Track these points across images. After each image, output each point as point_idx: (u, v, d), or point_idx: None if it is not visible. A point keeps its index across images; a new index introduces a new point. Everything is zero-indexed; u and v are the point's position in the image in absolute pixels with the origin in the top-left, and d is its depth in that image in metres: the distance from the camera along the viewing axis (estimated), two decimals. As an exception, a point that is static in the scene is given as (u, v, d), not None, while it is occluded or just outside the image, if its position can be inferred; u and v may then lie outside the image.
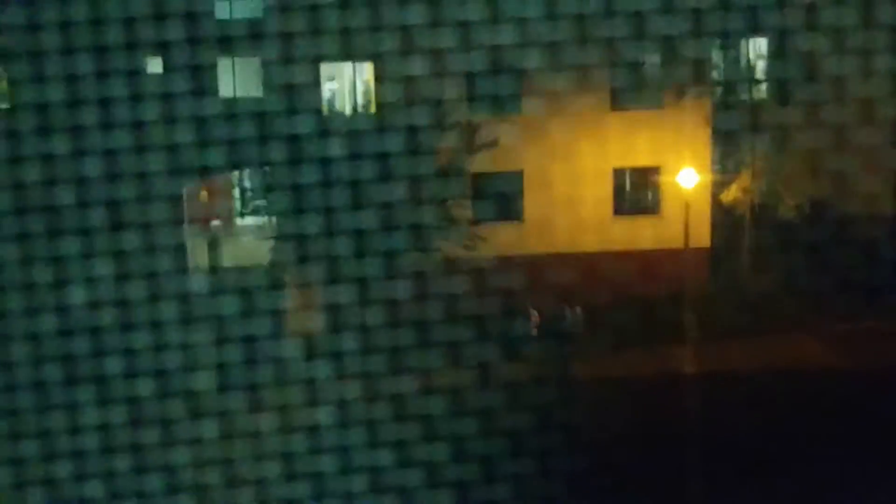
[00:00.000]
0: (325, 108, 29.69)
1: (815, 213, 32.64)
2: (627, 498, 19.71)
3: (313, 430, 17.65)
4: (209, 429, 18.18)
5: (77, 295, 20.07)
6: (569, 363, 26.58)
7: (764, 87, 33.70)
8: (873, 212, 32.98)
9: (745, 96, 32.91)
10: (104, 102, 22.71)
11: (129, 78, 24.08)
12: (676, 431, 22.51)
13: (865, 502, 19.45)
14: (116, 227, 21.43)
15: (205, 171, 27.26)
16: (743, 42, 33.35)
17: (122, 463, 17.03)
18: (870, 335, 28.58)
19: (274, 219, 26.71)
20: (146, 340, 18.98)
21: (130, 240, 21.27)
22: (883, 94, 30.13)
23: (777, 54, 32.86)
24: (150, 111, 23.87)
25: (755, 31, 32.46)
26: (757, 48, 33.99)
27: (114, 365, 18.65)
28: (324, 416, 18.12)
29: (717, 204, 32.93)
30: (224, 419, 18.71)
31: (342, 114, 28.73)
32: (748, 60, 33.68)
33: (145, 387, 18.57)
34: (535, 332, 28.00)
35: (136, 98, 23.81)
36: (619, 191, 32.43)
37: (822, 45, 30.23)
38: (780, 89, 32.41)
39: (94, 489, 16.55)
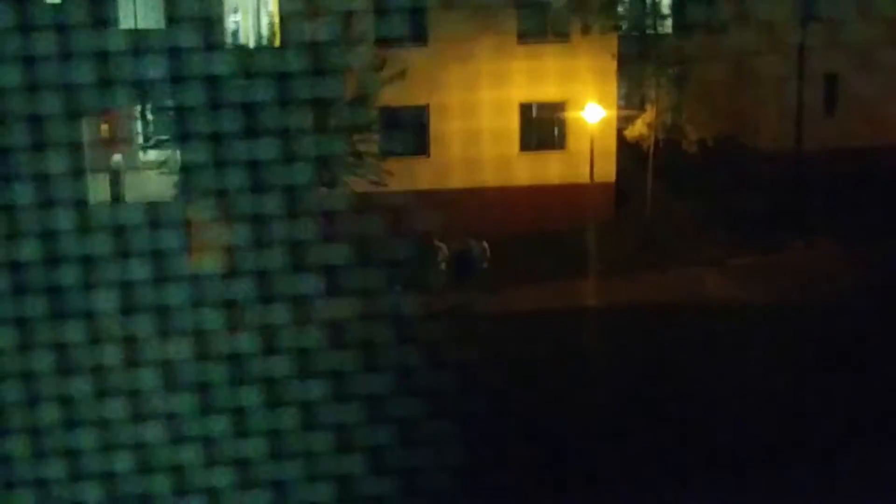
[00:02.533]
0: (229, 41, 29.20)
1: (717, 148, 33.08)
2: (526, 433, 19.89)
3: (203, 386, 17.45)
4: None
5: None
6: (475, 296, 26.72)
7: (669, 21, 33.87)
8: (774, 147, 33.51)
9: (650, 31, 33.05)
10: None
11: (30, 7, 23.42)
12: (577, 364, 22.90)
13: (752, 430, 19.88)
14: (11, 160, 20.94)
15: (106, 104, 26.71)
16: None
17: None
18: (767, 267, 29.16)
19: (177, 152, 26.29)
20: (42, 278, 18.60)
21: (26, 171, 20.76)
22: (787, 23, 30.52)
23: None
24: (47, 41, 23.25)
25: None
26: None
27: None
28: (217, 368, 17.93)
29: (621, 139, 33.19)
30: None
31: (246, 47, 28.25)
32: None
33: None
34: (443, 265, 28.10)
35: (30, 28, 23.16)
36: (525, 125, 32.48)
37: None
38: (683, 25, 32.59)
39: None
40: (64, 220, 20.07)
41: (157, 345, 18.32)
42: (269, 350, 18.07)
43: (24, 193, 19.63)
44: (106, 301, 18.62)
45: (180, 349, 17.74)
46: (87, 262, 19.41)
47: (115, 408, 16.61)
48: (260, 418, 16.51)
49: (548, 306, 26.52)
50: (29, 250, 18.67)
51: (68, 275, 18.57)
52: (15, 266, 18.10)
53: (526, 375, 22.16)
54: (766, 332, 24.38)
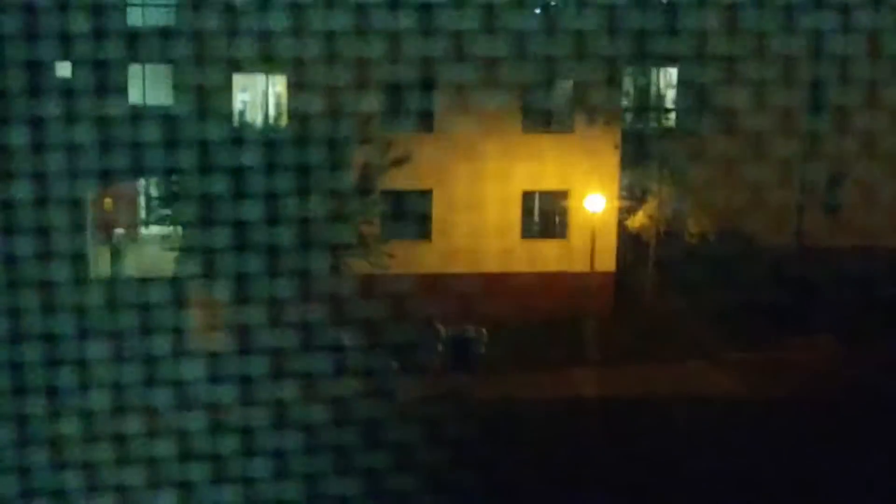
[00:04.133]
0: (236, 120, 29.43)
1: (718, 242, 33.16)
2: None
3: (215, 457, 17.39)
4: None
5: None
6: (472, 381, 26.62)
7: (672, 115, 34.22)
8: (775, 243, 33.61)
9: (653, 124, 33.38)
10: (9, 102, 22.31)
11: (37, 80, 23.68)
12: (570, 454, 22.70)
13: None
14: (15, 230, 21.00)
15: (110, 178, 26.87)
16: (654, 71, 33.82)
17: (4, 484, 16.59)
18: (765, 364, 29.05)
19: (179, 229, 26.37)
20: (39, 353, 18.57)
21: (29, 244, 20.81)
22: (781, 129, 30.82)
23: (686, 84, 33.39)
24: (57, 114, 23.47)
25: (666, 60, 32.95)
26: (667, 77, 34.51)
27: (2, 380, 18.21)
28: (225, 440, 17.87)
29: (623, 229, 33.30)
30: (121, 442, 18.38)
31: (253, 125, 28.50)
32: (658, 89, 34.17)
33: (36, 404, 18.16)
34: (440, 347, 28.00)
35: (44, 100, 23.41)
36: (527, 213, 32.61)
37: (727, 77, 30.85)
38: (688, 119, 32.92)
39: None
40: (66, 295, 20.11)
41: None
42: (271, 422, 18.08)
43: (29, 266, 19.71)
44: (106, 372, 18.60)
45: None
46: (85, 336, 19.42)
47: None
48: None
49: (542, 394, 26.39)
50: (30, 322, 18.68)
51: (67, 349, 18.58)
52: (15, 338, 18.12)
53: (515, 459, 22.02)
54: (763, 426, 24.25)
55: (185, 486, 16.80)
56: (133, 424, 18.48)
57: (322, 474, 16.82)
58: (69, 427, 17.94)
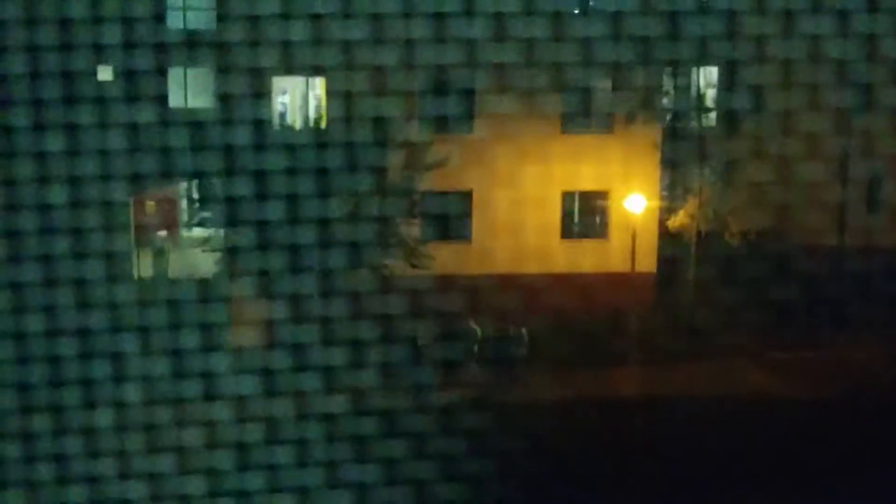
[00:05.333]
0: (276, 122, 29.63)
1: (760, 242, 32.98)
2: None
3: (242, 446, 17.52)
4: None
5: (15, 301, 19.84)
6: (512, 383, 26.61)
7: (713, 115, 34.09)
8: (817, 242, 33.38)
9: (693, 123, 33.25)
10: (55, 107, 22.52)
11: (80, 84, 23.88)
12: (616, 456, 22.67)
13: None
14: (64, 234, 21.21)
15: (151, 181, 27.10)
16: (694, 70, 33.69)
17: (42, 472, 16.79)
18: (806, 363, 28.89)
19: (221, 231, 26.55)
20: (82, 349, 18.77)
21: (77, 248, 21.03)
22: (828, 129, 30.55)
23: (727, 84, 33.25)
24: (101, 119, 23.67)
25: (706, 60, 32.82)
26: (708, 77, 34.38)
27: (55, 374, 18.43)
28: (253, 432, 18.00)
29: (664, 229, 33.19)
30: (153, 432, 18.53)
31: (293, 128, 28.66)
32: (698, 88, 34.03)
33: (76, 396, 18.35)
34: (476, 349, 28.00)
35: (86, 105, 23.61)
36: (567, 214, 32.59)
37: (770, 77, 30.66)
38: (729, 118, 32.78)
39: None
40: (111, 294, 20.32)
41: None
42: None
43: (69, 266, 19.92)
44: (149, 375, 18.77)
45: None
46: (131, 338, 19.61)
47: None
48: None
49: (583, 394, 26.37)
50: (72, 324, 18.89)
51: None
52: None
53: (555, 459, 22.03)
54: (803, 426, 24.13)
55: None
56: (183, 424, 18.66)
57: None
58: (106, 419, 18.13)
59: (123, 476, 16.63)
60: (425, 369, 25.09)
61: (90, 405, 17.73)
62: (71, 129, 22.33)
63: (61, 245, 20.31)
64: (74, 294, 19.51)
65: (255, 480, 16.81)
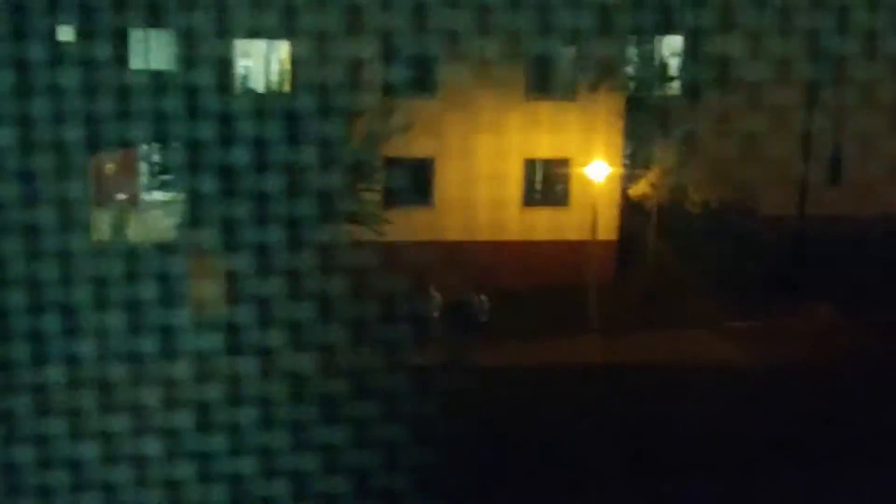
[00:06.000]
0: (238, 86, 29.40)
1: (720, 211, 33.17)
2: (520, 488, 19.82)
3: (203, 406, 17.48)
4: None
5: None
6: (471, 348, 26.68)
7: (676, 84, 34.16)
8: (777, 213, 33.59)
9: (657, 92, 33.32)
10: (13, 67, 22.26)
11: (39, 45, 23.61)
12: (568, 422, 22.84)
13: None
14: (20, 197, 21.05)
15: (112, 144, 26.88)
16: (657, 39, 33.74)
17: (26, 448, 16.72)
18: (764, 332, 29.14)
19: (180, 195, 26.41)
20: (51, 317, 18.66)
21: (33, 211, 20.86)
22: (792, 101, 30.75)
23: (690, 53, 33.32)
24: (60, 79, 23.43)
25: (670, 28, 32.89)
26: (671, 46, 34.42)
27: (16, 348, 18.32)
28: (215, 392, 17.96)
29: (625, 198, 33.29)
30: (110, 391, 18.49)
31: (254, 91, 28.46)
32: (661, 57, 34.10)
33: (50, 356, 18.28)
34: (436, 314, 28.06)
35: (45, 65, 23.36)
36: (529, 181, 32.60)
37: (734, 47, 30.75)
38: (692, 88, 32.87)
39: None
40: (66, 262, 20.18)
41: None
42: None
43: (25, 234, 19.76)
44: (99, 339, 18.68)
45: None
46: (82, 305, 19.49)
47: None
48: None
49: (544, 361, 26.51)
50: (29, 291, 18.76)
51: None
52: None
53: (515, 426, 22.18)
54: (760, 394, 24.36)
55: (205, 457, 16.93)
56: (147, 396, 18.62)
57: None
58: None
59: (75, 436, 16.59)
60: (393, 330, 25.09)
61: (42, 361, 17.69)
62: (30, 88, 22.12)
63: (14, 200, 20.14)
64: (28, 256, 19.37)
65: (217, 440, 16.81)
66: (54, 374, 17.72)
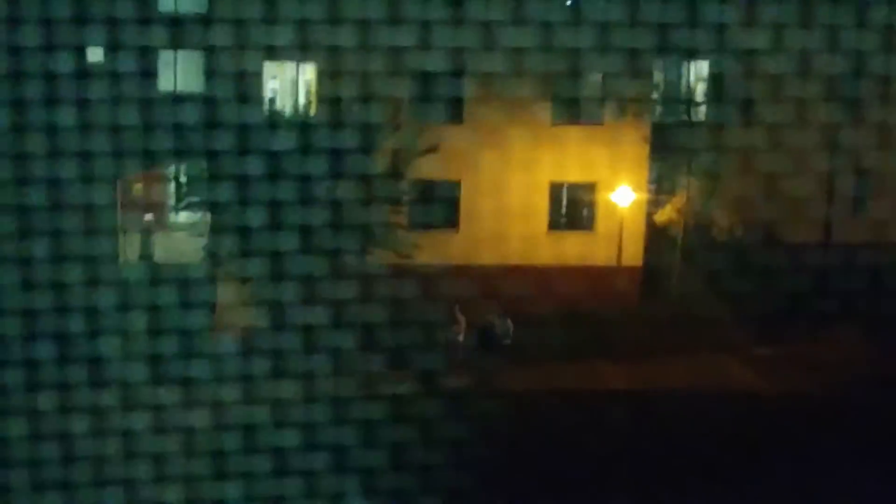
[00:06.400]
0: (266, 107, 29.53)
1: (746, 236, 33.03)
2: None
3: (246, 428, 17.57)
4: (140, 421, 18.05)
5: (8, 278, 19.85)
6: (495, 373, 26.62)
7: (703, 109, 34.10)
8: (801, 237, 33.44)
9: (683, 117, 33.28)
10: (45, 91, 22.47)
11: (70, 64, 23.82)
12: (595, 448, 22.74)
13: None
14: (48, 215, 21.18)
15: (140, 164, 27.03)
16: (684, 64, 33.74)
17: (49, 451, 16.81)
18: (789, 359, 28.99)
19: (208, 215, 26.49)
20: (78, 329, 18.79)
21: (61, 230, 20.98)
22: (810, 124, 30.63)
23: (716, 78, 33.28)
24: (89, 101, 23.62)
25: (696, 53, 32.86)
26: (698, 70, 34.41)
27: (45, 352, 18.43)
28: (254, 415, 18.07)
29: (651, 223, 33.22)
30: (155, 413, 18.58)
31: (282, 112, 28.58)
32: (688, 82, 34.08)
33: (77, 375, 18.37)
34: (461, 338, 28.02)
35: (75, 86, 23.56)
36: (554, 205, 32.60)
37: (760, 69, 30.69)
38: (718, 114, 32.80)
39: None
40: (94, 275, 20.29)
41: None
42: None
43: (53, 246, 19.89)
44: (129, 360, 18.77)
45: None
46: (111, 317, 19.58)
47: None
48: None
49: (567, 386, 26.43)
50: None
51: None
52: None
53: (534, 452, 22.13)
54: (785, 422, 24.23)
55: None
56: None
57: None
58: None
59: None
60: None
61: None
62: (54, 107, 22.28)
63: (44, 223, 20.28)
64: (55, 275, 19.50)
65: (262, 464, 16.90)
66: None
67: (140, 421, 18.30)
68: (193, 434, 17.85)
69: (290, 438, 17.50)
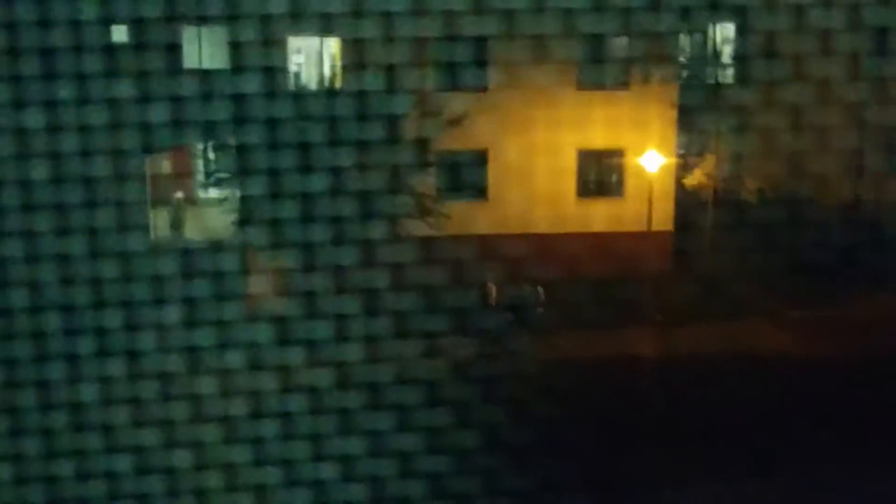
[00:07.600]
0: (291, 82, 29.50)
1: (776, 198, 32.84)
2: (577, 479, 19.72)
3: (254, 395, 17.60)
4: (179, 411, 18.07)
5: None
6: (527, 340, 26.61)
7: (730, 71, 33.86)
8: (833, 197, 33.20)
9: (710, 80, 33.05)
10: (73, 68, 22.45)
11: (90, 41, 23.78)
12: (629, 414, 22.70)
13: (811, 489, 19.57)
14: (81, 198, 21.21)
15: (166, 141, 27.03)
16: (710, 26, 33.46)
17: (87, 441, 16.88)
18: (822, 322, 28.83)
19: (237, 192, 26.53)
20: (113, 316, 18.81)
21: (91, 208, 21.01)
22: (844, 78, 30.29)
23: (743, 39, 33.00)
24: (114, 79, 23.60)
25: (723, 14, 32.59)
26: (724, 32, 34.13)
27: (84, 344, 18.49)
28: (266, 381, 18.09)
29: (680, 187, 33.06)
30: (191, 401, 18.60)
31: (308, 87, 28.55)
32: (715, 44, 33.81)
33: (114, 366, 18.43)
34: (493, 305, 28.00)
35: (101, 65, 23.53)
36: (583, 172, 32.46)
37: (786, 29, 30.36)
38: (745, 74, 32.55)
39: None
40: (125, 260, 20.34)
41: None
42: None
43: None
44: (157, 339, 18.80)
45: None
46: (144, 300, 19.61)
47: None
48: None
49: (600, 353, 26.39)
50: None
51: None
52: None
53: (572, 418, 22.12)
54: (818, 386, 24.10)
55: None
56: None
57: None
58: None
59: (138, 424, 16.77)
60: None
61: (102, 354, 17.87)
62: (88, 93, 22.27)
63: (75, 199, 20.29)
64: (89, 251, 19.53)
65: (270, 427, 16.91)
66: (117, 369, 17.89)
67: (208, 386, 18.30)
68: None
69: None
